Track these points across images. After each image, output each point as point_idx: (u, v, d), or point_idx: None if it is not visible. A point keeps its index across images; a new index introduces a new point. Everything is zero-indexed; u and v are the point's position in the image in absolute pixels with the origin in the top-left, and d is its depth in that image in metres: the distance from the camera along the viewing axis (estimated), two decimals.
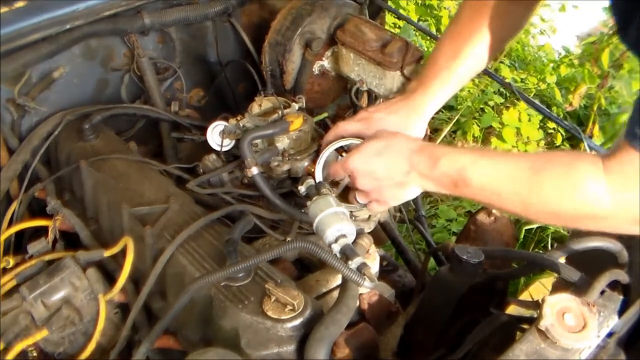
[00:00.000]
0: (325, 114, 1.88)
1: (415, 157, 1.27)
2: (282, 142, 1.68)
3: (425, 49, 4.80)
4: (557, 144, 4.14)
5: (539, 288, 2.53)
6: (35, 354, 1.47)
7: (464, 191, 1.21)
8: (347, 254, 1.27)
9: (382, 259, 1.77)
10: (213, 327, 1.31)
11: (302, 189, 1.52)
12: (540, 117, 4.15)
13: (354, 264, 1.25)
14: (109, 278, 1.53)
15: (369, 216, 1.72)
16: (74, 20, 1.74)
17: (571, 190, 1.09)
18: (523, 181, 1.12)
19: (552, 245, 3.11)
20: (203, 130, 1.81)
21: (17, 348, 1.40)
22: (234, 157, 1.78)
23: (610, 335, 1.23)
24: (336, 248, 1.28)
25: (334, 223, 1.29)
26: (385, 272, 1.86)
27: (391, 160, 1.30)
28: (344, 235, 1.29)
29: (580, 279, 1.38)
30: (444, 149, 1.25)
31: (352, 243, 1.33)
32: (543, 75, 4.69)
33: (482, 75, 3.93)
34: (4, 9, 1.65)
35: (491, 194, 1.18)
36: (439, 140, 3.80)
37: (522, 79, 4.69)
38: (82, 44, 1.87)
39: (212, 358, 1.10)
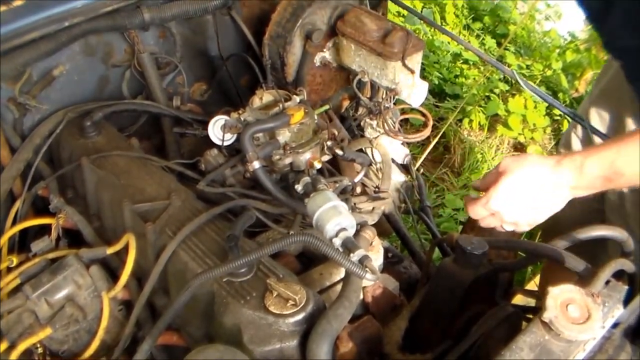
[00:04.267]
0: (326, 106, 1.86)
1: (557, 174, 1.27)
2: (284, 136, 1.66)
3: (430, 37, 4.76)
4: (564, 131, 4.11)
5: None
6: (40, 351, 1.48)
7: (618, 182, 1.23)
8: (348, 247, 1.26)
9: (386, 250, 1.76)
10: (215, 323, 1.31)
11: (298, 187, 1.51)
12: (546, 103, 4.12)
13: (355, 256, 1.24)
14: (112, 275, 1.53)
15: (373, 208, 1.71)
16: (72, 17, 1.74)
17: None
18: None
19: None
20: (205, 124, 1.80)
21: (21, 347, 1.40)
22: (236, 151, 1.77)
23: (615, 325, 1.22)
24: (337, 242, 1.27)
25: (333, 217, 1.28)
26: (390, 264, 1.84)
27: (535, 188, 1.29)
28: (344, 229, 1.28)
29: (584, 269, 1.37)
30: (581, 154, 1.25)
31: (355, 236, 1.32)
32: (549, 61, 4.65)
33: (486, 63, 3.90)
34: (3, 8, 1.65)
35: None
36: (444, 129, 3.78)
37: (527, 65, 4.65)
38: (81, 41, 1.87)
39: (212, 355, 1.10)
